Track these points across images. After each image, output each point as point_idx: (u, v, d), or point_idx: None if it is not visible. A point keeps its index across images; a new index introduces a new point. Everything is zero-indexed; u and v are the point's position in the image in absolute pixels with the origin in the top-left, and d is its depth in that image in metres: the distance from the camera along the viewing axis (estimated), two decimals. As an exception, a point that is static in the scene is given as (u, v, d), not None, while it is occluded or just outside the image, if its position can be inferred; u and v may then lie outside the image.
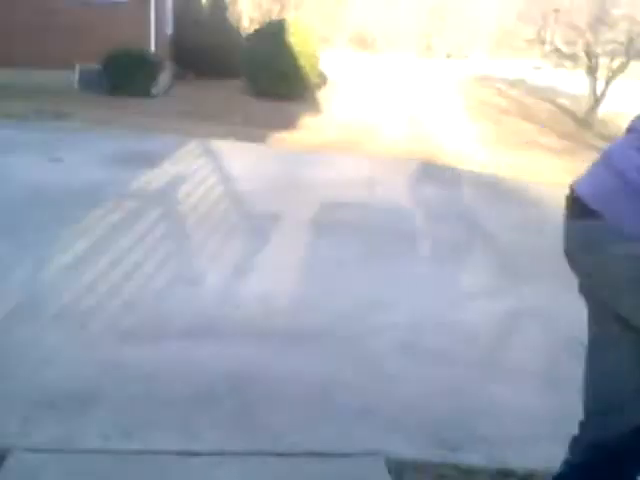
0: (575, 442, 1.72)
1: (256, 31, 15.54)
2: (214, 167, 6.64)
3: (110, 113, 9.79)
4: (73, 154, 6.50)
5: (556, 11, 20.27)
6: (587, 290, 1.79)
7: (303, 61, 14.30)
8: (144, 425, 2.41)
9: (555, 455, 2.47)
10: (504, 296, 4.01)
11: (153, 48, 13.22)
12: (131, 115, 10.08)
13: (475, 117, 16.41)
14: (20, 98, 10.02)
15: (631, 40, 18.00)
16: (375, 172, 7.22)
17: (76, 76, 13.01)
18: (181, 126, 9.50)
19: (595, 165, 1.71)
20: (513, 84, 25.46)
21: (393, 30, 35.44)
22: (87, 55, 12.46)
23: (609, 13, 18.46)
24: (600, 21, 18.24)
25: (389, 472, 2.27)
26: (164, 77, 13.98)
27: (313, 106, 14.33)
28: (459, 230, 5.31)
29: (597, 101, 18.07)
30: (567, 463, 1.74)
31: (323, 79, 17.83)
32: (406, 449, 2.40)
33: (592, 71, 18.31)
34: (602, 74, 18.51)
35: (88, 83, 12.69)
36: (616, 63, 18.53)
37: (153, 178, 5.79)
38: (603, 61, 19.15)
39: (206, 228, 4.72)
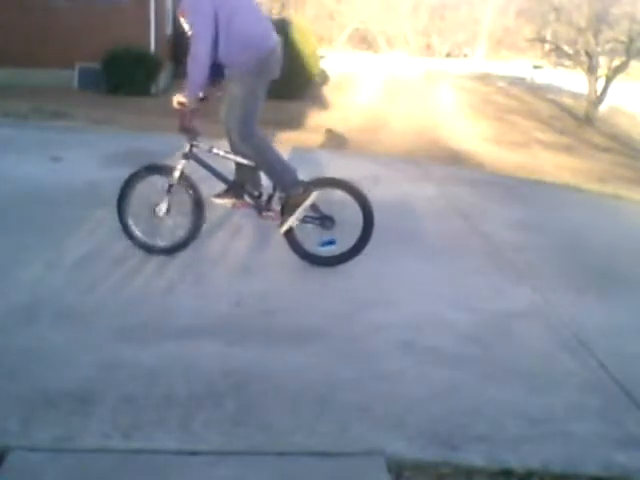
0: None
1: (256, 30, 15.51)
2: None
3: (110, 112, 9.80)
4: (73, 153, 6.50)
5: (556, 10, 20.26)
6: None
7: (304, 60, 14.29)
8: (144, 424, 2.41)
9: (555, 455, 2.48)
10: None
11: (153, 47, 13.23)
12: (131, 114, 10.09)
13: (476, 114, 16.41)
14: (20, 97, 10.03)
15: (631, 39, 18.00)
16: (379, 171, 7.21)
17: (76, 75, 13.02)
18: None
19: None
20: (513, 83, 25.47)
21: (393, 29, 35.41)
22: (87, 54, 12.47)
23: (609, 12, 18.46)
24: (600, 20, 18.24)
25: (389, 472, 2.27)
26: (164, 76, 13.99)
27: (315, 104, 14.32)
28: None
29: (597, 99, 18.08)
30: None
31: (324, 77, 17.84)
32: (406, 449, 2.40)
33: (592, 70, 18.31)
34: (602, 73, 18.52)
35: (88, 82, 12.70)
36: (616, 62, 18.54)
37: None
38: (603, 60, 19.16)
39: (209, 228, 4.71)
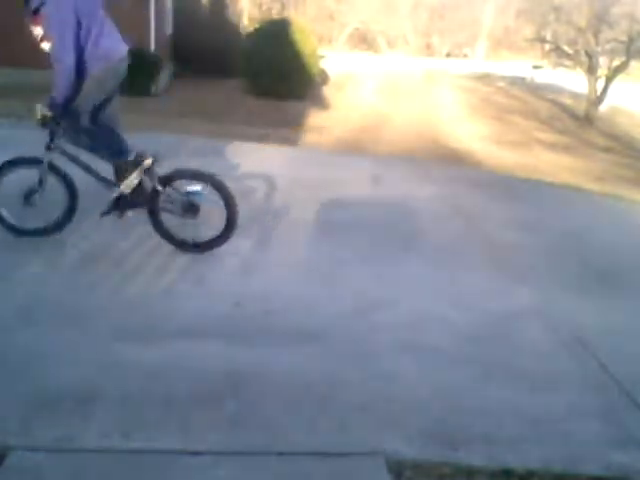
0: None
1: (256, 30, 15.52)
2: (218, 167, 6.62)
3: (110, 112, 9.77)
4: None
5: (556, 10, 20.25)
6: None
7: (304, 60, 14.28)
8: (144, 424, 2.41)
9: (555, 455, 2.48)
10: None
11: (153, 47, 13.21)
12: (131, 114, 10.05)
13: (476, 114, 16.41)
14: (19, 98, 10.02)
15: (631, 39, 17.99)
16: (380, 171, 7.21)
17: (76, 75, 13.01)
18: (182, 125, 9.49)
19: None
20: (513, 82, 25.48)
21: (393, 29, 35.42)
22: (87, 54, 12.47)
23: (609, 12, 18.45)
24: (600, 20, 18.23)
25: (389, 472, 2.27)
26: (164, 76, 13.98)
27: (315, 104, 14.31)
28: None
29: (597, 99, 18.07)
30: None
31: (324, 77, 17.84)
32: (406, 449, 2.40)
33: (592, 70, 18.31)
34: (602, 73, 18.52)
35: (88, 82, 12.71)
36: (616, 62, 18.53)
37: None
38: (603, 60, 19.15)
39: (208, 228, 4.71)
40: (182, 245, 4.10)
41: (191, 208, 3.96)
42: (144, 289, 3.58)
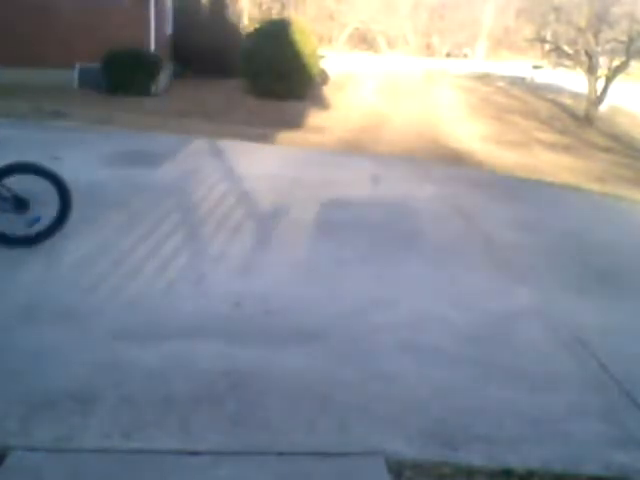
0: None
1: (257, 30, 15.50)
2: (218, 167, 6.64)
3: (110, 112, 9.79)
4: (72, 153, 6.49)
5: (556, 10, 20.24)
6: None
7: (304, 60, 14.27)
8: (144, 424, 2.41)
9: (555, 455, 2.48)
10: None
11: (153, 47, 13.22)
12: (131, 114, 10.07)
13: (476, 114, 16.40)
14: (20, 97, 10.02)
15: (631, 39, 17.98)
16: (380, 171, 7.21)
17: (76, 75, 13.01)
18: (181, 125, 9.49)
19: None
20: (513, 82, 25.48)
21: (393, 29, 35.41)
22: (87, 54, 12.46)
23: (609, 12, 18.43)
24: (600, 20, 18.22)
25: (389, 472, 2.27)
26: (164, 76, 13.98)
27: (315, 104, 14.30)
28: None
29: (597, 99, 18.06)
30: None
31: (324, 77, 17.84)
32: (406, 449, 2.40)
33: (592, 70, 18.30)
34: (602, 73, 18.51)
35: (88, 82, 12.69)
36: (616, 62, 18.53)
37: (154, 178, 5.79)
38: (603, 60, 19.15)
39: (207, 228, 4.72)
40: (10, 241, 3.93)
41: (22, 203, 3.90)
42: (144, 289, 3.58)
